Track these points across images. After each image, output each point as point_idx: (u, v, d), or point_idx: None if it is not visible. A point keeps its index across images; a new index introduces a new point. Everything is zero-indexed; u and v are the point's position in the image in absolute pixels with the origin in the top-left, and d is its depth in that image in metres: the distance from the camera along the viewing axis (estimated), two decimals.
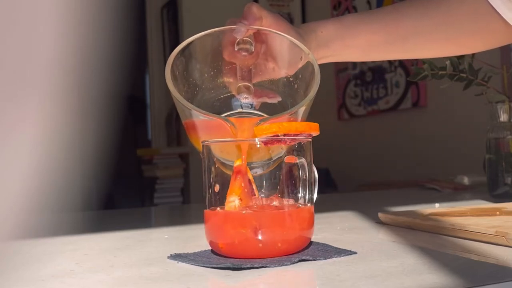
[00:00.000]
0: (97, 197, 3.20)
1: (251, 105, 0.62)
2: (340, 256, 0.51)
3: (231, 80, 0.63)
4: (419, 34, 0.73)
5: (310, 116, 0.57)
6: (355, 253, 0.52)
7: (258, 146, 0.54)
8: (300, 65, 0.61)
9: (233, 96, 0.63)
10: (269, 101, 0.63)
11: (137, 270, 0.50)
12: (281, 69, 0.63)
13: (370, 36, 0.72)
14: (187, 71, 0.61)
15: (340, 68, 2.99)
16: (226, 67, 0.63)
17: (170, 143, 3.76)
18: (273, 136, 0.52)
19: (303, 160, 0.54)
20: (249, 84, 0.63)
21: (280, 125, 0.52)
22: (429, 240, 0.61)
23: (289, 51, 0.63)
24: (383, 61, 2.66)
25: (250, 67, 0.63)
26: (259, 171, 0.55)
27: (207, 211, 0.54)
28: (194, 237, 0.70)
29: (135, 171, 3.84)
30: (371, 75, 2.76)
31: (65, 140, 0.27)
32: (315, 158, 0.56)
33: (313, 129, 0.54)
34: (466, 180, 1.38)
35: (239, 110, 0.62)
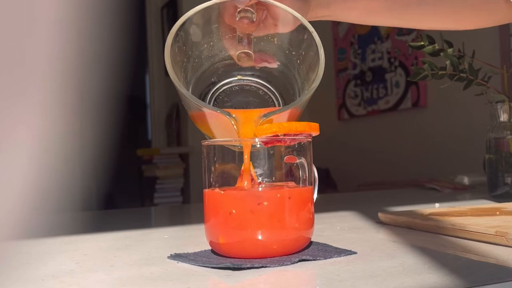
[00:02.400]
0: (97, 197, 3.20)
1: (252, 73, 0.62)
2: (340, 256, 0.51)
3: (231, 48, 0.63)
4: (421, 4, 0.73)
5: (310, 116, 0.57)
6: (355, 253, 0.52)
7: (258, 146, 0.54)
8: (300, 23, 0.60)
9: (234, 64, 0.62)
10: (269, 66, 0.62)
11: (137, 270, 0.50)
12: (281, 28, 0.63)
13: (372, 0, 0.72)
14: (186, 45, 0.60)
15: (340, 68, 2.99)
16: (226, 36, 0.63)
17: (170, 143, 3.76)
18: (273, 136, 0.52)
19: (303, 160, 0.54)
20: (250, 51, 0.62)
21: (280, 125, 0.52)
22: (429, 240, 0.61)
23: (293, 18, 0.62)
24: (383, 61, 2.66)
25: (251, 35, 0.63)
26: (259, 171, 0.55)
27: (206, 191, 0.54)
28: (194, 237, 0.70)
29: (135, 171, 3.84)
30: (371, 75, 2.76)
31: (65, 140, 0.27)
32: (315, 158, 0.56)
33: (313, 129, 0.54)
34: (466, 180, 1.38)
35: (239, 77, 0.62)
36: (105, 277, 0.48)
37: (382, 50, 2.66)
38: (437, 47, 0.98)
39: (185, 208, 1.67)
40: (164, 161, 3.37)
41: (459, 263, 0.50)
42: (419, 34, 1.00)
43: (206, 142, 0.54)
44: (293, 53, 0.62)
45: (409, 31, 2.46)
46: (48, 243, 0.69)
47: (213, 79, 0.62)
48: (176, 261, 0.52)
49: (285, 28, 0.62)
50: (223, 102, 0.62)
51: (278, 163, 0.55)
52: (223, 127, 0.55)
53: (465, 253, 0.53)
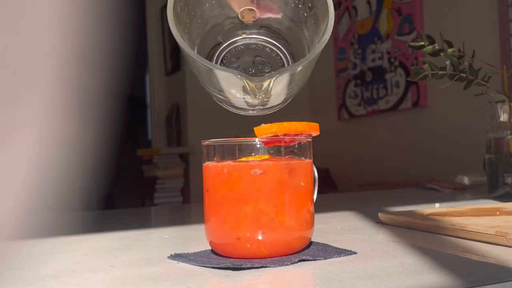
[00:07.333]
0: (97, 197, 3.19)
1: (257, 30, 0.60)
2: (340, 256, 0.51)
3: (234, 4, 0.61)
4: None
5: (310, 116, 0.57)
6: (355, 253, 0.52)
7: (258, 146, 0.54)
8: None
9: (239, 22, 0.61)
10: (273, 16, 0.61)
11: (137, 270, 0.50)
12: None
13: None
14: (188, 4, 0.59)
15: (340, 68, 2.99)
16: None
17: (170, 143, 3.76)
18: (273, 136, 0.52)
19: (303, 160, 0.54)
20: (252, 8, 0.61)
21: (280, 125, 0.52)
22: (429, 240, 0.61)
23: None
24: (383, 61, 2.66)
25: None
26: (258, 172, 0.55)
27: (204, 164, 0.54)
28: (194, 237, 0.70)
29: (135, 171, 3.84)
30: (371, 75, 2.76)
31: (65, 140, 0.27)
32: (315, 158, 0.56)
33: (313, 129, 0.54)
34: (466, 180, 1.38)
35: (244, 36, 0.60)
36: (105, 277, 0.48)
37: (382, 50, 2.66)
38: (437, 47, 0.98)
39: (185, 208, 1.67)
40: (164, 161, 3.37)
41: (459, 263, 0.50)
42: (419, 34, 1.00)
43: (206, 142, 0.54)
44: (300, 6, 0.61)
45: (409, 31, 2.46)
46: (48, 243, 0.69)
47: (218, 39, 0.60)
48: (176, 261, 0.52)
49: None
50: (230, 63, 0.60)
51: None
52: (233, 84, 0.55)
53: (465, 253, 0.53)
